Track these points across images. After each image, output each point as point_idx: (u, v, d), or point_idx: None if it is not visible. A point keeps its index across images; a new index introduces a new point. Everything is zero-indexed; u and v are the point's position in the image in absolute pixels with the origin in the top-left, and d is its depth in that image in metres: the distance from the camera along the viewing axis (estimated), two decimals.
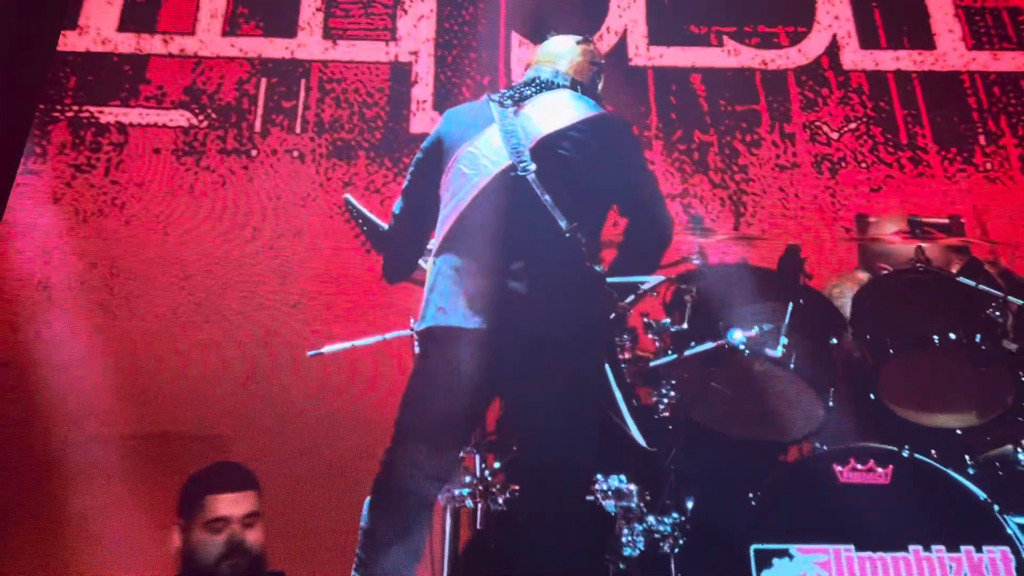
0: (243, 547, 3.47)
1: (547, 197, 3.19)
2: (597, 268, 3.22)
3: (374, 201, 5.11)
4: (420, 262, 3.57)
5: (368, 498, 3.22)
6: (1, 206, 4.05)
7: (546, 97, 3.40)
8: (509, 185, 3.23)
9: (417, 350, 3.38)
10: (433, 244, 3.34)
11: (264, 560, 3.52)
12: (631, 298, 3.48)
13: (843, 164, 5.39)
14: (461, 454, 3.54)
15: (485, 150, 3.30)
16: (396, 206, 3.52)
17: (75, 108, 5.47)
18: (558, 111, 3.35)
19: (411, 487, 3.18)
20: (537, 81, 3.46)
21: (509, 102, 3.40)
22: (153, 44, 5.64)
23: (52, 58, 5.29)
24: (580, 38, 3.62)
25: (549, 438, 3.18)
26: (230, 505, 3.51)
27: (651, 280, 3.49)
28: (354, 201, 3.62)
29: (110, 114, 5.44)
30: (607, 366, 3.33)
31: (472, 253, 3.22)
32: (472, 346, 3.17)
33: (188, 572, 3.50)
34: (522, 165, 3.23)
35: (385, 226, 3.55)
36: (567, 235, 3.17)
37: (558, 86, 3.45)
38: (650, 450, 3.52)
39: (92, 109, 5.48)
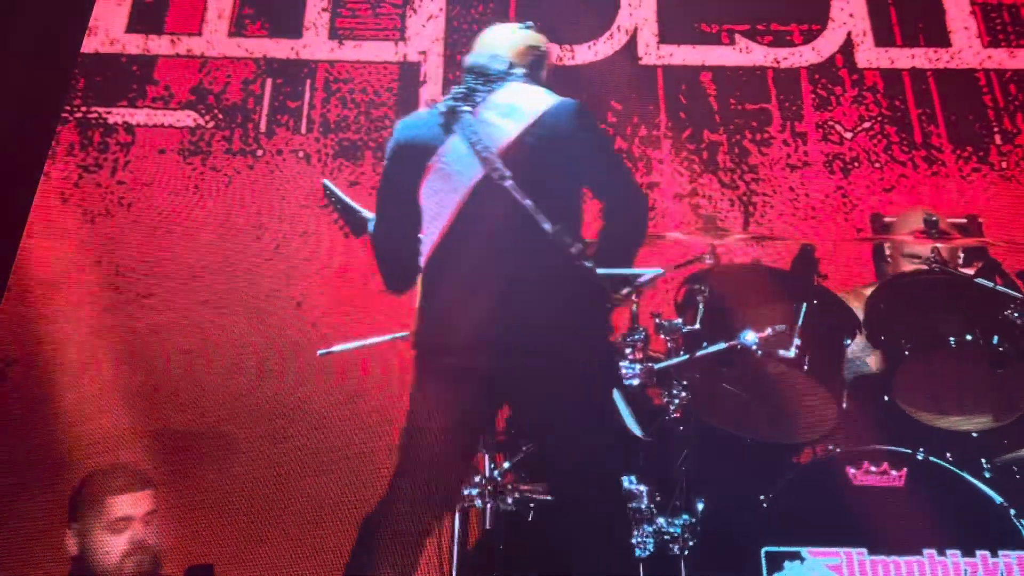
0: (146, 544, 3.56)
1: (527, 202, 3.15)
2: (588, 264, 3.17)
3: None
4: None
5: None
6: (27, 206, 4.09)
7: (498, 95, 3.32)
8: (487, 195, 3.19)
9: (415, 369, 3.33)
10: (421, 259, 3.29)
11: (161, 557, 3.62)
12: (626, 289, 3.41)
13: (856, 164, 5.33)
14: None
15: (455, 163, 3.24)
16: (372, 225, 3.47)
17: (83, 109, 5.48)
18: (515, 109, 3.28)
19: (404, 528, 3.17)
20: (483, 74, 3.36)
21: (463, 105, 3.31)
22: (161, 45, 5.64)
23: (75, 64, 5.35)
24: (522, 24, 3.56)
25: (571, 446, 3.16)
26: (132, 505, 3.58)
27: (648, 273, 3.45)
28: (332, 186, 3.62)
29: (118, 115, 5.44)
30: (602, 360, 3.32)
31: (460, 268, 3.19)
32: (471, 361, 3.15)
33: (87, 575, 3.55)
34: (497, 173, 3.18)
35: (364, 211, 3.54)
36: (552, 237, 3.13)
37: (503, 78, 3.36)
38: (646, 439, 3.54)
39: (100, 110, 5.49)
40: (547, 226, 3.13)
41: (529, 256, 3.17)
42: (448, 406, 3.18)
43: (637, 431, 3.51)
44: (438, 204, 3.24)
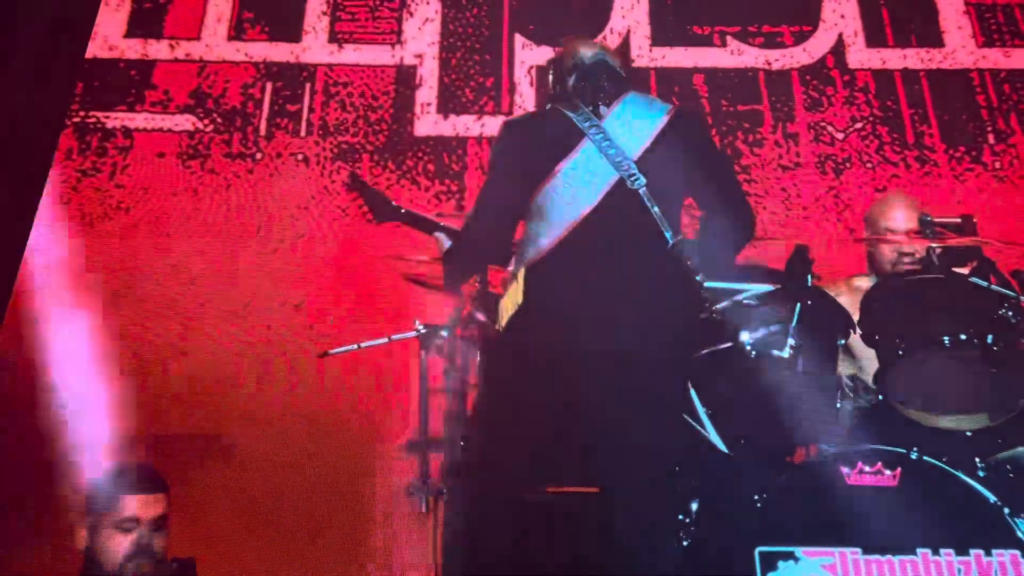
0: (150, 549, 3.53)
1: (656, 209, 3.23)
2: (698, 278, 3.28)
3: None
4: None
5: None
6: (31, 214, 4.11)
7: (621, 103, 3.42)
8: (620, 200, 3.27)
9: (495, 358, 3.47)
10: (527, 256, 3.33)
11: (166, 565, 3.59)
12: (726, 303, 3.57)
13: (848, 164, 5.36)
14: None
15: (588, 166, 3.32)
16: (472, 216, 3.53)
17: (81, 114, 5.50)
18: (643, 116, 3.40)
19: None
20: (608, 76, 3.46)
21: (586, 111, 3.40)
22: (159, 49, 5.68)
23: (79, 71, 5.37)
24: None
25: (638, 448, 3.26)
26: (142, 507, 3.56)
27: (754, 289, 3.53)
28: (359, 177, 3.75)
29: (116, 119, 5.48)
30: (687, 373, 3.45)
31: (581, 268, 3.25)
32: (570, 349, 3.23)
33: (91, 572, 3.55)
34: (632, 179, 3.26)
35: (391, 200, 3.65)
36: (672, 246, 3.22)
37: (622, 84, 3.49)
38: (730, 456, 3.66)
39: (98, 114, 5.52)
40: (668, 235, 3.24)
41: (650, 264, 3.26)
42: (535, 386, 3.26)
43: (722, 446, 3.62)
44: (564, 205, 3.30)
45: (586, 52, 3.58)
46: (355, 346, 4.11)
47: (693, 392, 3.65)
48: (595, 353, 3.25)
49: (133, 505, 3.56)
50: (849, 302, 4.08)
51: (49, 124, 4.51)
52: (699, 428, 3.54)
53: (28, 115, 4.21)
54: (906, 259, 4.29)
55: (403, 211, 3.73)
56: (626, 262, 3.27)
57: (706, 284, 3.40)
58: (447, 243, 3.63)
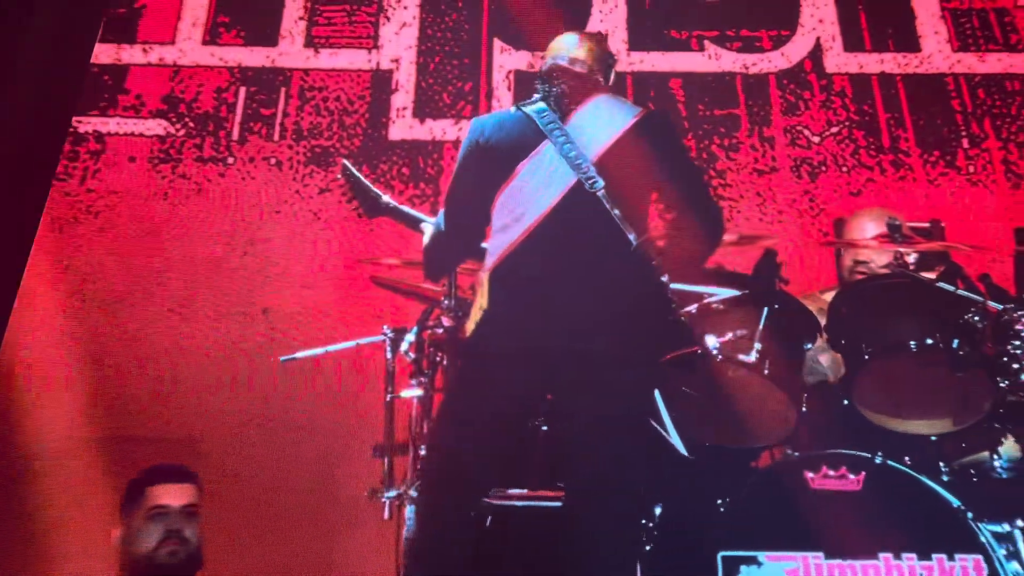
0: (182, 535, 3.62)
1: (616, 212, 3.21)
2: (663, 279, 3.27)
3: (349, 208, 5.08)
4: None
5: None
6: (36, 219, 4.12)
7: (587, 103, 3.41)
8: (577, 202, 3.27)
9: (460, 363, 3.53)
10: (491, 258, 3.34)
11: (201, 553, 3.67)
12: (693, 307, 3.57)
13: (823, 168, 5.34)
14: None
15: (546, 168, 3.32)
16: (442, 215, 3.55)
17: None
18: (606, 118, 3.39)
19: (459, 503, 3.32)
20: (570, 79, 3.45)
21: (550, 112, 3.39)
22: (133, 54, 5.65)
23: (85, 75, 5.37)
24: (590, 33, 3.65)
25: (602, 449, 3.24)
26: (170, 495, 3.67)
27: (721, 293, 3.52)
28: (351, 166, 3.72)
29: (88, 124, 5.46)
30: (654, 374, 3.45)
31: (540, 270, 3.26)
32: (533, 351, 3.22)
33: (128, 562, 3.64)
34: (590, 181, 3.25)
35: (382, 194, 3.67)
36: (635, 248, 3.21)
37: (589, 85, 3.46)
38: (689, 458, 3.67)
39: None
40: (632, 237, 3.22)
41: (611, 266, 3.26)
42: (499, 391, 3.26)
43: (682, 449, 3.64)
44: (522, 206, 3.31)
45: (547, 56, 3.58)
46: (321, 350, 4.10)
47: (658, 395, 3.64)
48: (556, 357, 3.24)
49: (162, 494, 3.67)
50: (819, 312, 4.06)
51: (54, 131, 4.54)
52: (663, 432, 3.52)
53: (31, 122, 4.24)
54: (860, 267, 4.28)
55: (390, 206, 3.74)
56: (585, 264, 3.26)
57: (671, 286, 3.39)
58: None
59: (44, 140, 4.43)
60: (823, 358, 4.17)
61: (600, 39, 3.63)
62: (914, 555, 3.49)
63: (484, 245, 3.46)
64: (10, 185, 4.16)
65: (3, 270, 4.20)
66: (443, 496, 3.37)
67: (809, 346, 3.98)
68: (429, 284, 4.04)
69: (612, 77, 3.64)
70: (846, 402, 3.88)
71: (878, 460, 3.63)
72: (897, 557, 3.49)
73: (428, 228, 3.65)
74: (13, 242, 4.26)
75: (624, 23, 5.74)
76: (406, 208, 3.80)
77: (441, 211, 3.58)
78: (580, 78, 3.48)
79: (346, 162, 3.75)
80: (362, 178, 3.71)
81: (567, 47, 3.57)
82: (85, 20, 4.81)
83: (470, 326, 3.36)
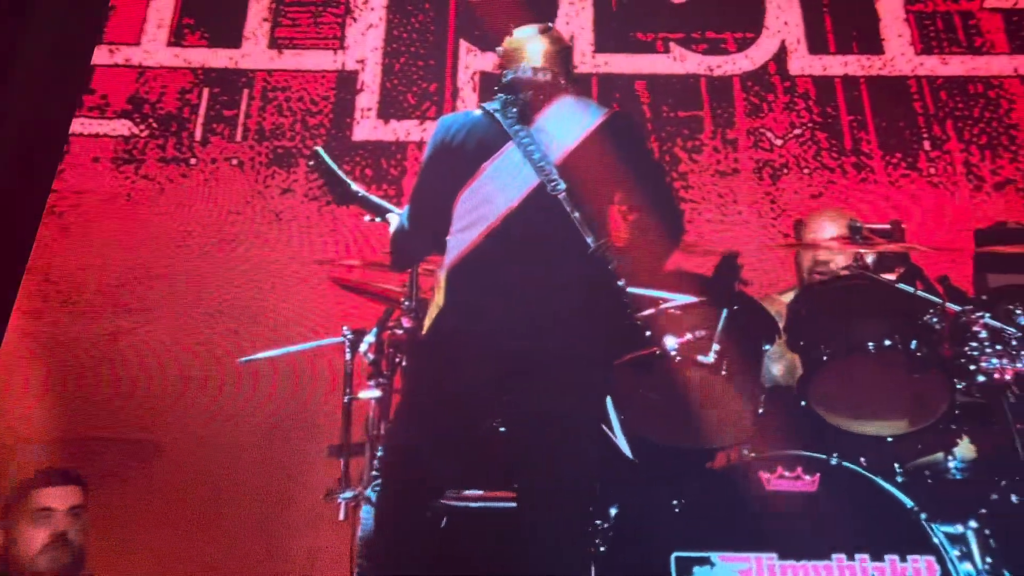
0: (65, 538, 3.61)
1: (576, 214, 3.21)
2: (620, 283, 3.27)
3: (311, 208, 5.12)
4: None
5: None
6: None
7: (552, 107, 3.41)
8: (538, 204, 3.27)
9: (414, 361, 3.51)
10: (450, 258, 3.34)
11: (84, 557, 3.65)
12: (650, 312, 3.56)
13: (785, 170, 5.36)
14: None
15: (509, 169, 3.32)
16: (407, 211, 3.54)
17: None
18: (570, 120, 3.39)
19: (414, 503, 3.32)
20: (531, 87, 3.44)
21: (514, 114, 3.38)
22: (99, 55, 5.63)
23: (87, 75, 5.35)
24: (540, 26, 3.62)
25: (556, 448, 3.24)
26: (55, 498, 3.67)
27: (679, 299, 3.52)
28: (324, 154, 3.71)
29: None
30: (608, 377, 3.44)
31: (498, 270, 3.26)
32: (488, 349, 3.23)
33: (8, 570, 3.62)
34: (552, 184, 3.25)
35: (353, 183, 3.68)
36: (594, 252, 3.20)
37: (550, 89, 3.45)
38: (635, 462, 3.66)
39: None
40: (590, 240, 3.22)
41: (569, 268, 3.26)
42: (454, 389, 3.26)
43: (628, 453, 3.65)
44: (483, 206, 3.31)
45: (507, 59, 3.56)
46: (281, 351, 4.09)
47: (608, 399, 3.64)
48: (511, 357, 3.24)
49: (46, 497, 3.65)
50: (779, 314, 4.06)
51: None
52: (609, 434, 3.52)
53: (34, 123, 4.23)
54: (819, 268, 4.29)
55: (360, 194, 3.74)
56: (542, 266, 3.27)
57: (629, 290, 3.39)
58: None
59: (44, 140, 4.42)
60: (776, 367, 4.19)
61: (555, 37, 3.59)
62: (867, 556, 3.50)
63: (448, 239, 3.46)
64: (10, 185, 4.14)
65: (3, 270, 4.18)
66: (399, 496, 3.36)
67: (768, 347, 3.99)
68: (390, 285, 4.03)
69: (572, 66, 3.64)
70: (803, 403, 3.89)
71: (834, 461, 3.64)
72: (851, 558, 3.49)
73: (394, 220, 3.65)
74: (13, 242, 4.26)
75: (591, 24, 5.75)
76: (375, 197, 3.80)
77: (406, 206, 3.58)
78: (544, 85, 3.48)
79: (319, 149, 3.74)
80: (333, 165, 3.70)
81: (529, 56, 3.52)
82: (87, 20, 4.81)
83: (427, 323, 3.36)
